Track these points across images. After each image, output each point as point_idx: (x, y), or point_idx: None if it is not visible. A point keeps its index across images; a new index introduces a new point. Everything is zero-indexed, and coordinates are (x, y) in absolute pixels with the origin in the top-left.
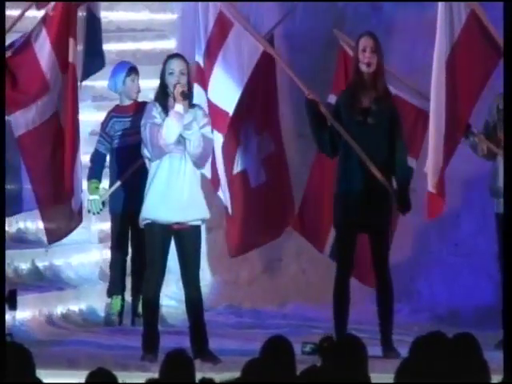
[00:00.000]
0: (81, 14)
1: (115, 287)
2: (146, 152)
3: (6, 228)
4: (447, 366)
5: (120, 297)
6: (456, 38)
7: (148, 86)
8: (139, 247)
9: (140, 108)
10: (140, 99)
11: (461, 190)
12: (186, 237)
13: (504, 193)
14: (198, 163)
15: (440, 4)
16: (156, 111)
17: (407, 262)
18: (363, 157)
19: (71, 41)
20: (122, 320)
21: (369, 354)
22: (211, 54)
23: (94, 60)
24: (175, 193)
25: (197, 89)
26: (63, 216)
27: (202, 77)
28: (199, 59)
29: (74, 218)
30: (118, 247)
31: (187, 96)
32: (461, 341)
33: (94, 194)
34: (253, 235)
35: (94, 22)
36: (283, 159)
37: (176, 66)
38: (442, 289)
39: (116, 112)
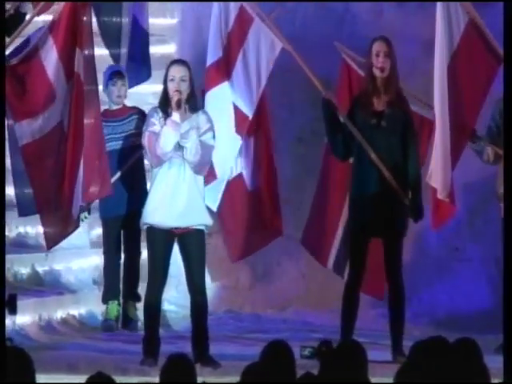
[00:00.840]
0: (125, 19)
1: (110, 292)
2: (146, 158)
3: (6, 233)
4: (447, 370)
5: (116, 302)
6: (455, 47)
7: (148, 90)
8: (130, 252)
9: (128, 113)
10: (139, 103)
11: (461, 195)
12: (189, 240)
13: (504, 197)
14: (197, 170)
15: (438, 13)
16: (156, 117)
17: (407, 266)
18: (376, 160)
19: (77, 50)
20: (119, 325)
21: (369, 359)
22: (232, 52)
23: (139, 69)
24: (174, 198)
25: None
26: (61, 221)
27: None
28: (215, 56)
29: (71, 223)
30: (110, 252)
31: (191, 103)
32: (461, 345)
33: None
34: (251, 238)
35: (138, 32)
36: (273, 164)
37: (177, 72)
38: (442, 293)
39: (104, 116)
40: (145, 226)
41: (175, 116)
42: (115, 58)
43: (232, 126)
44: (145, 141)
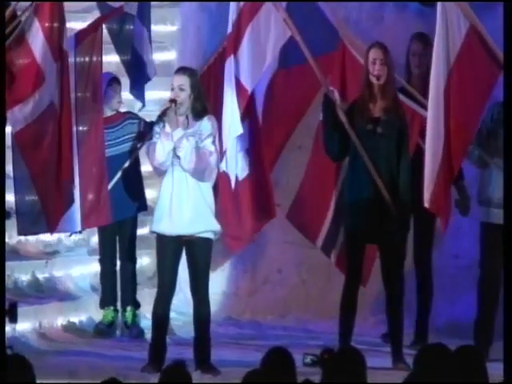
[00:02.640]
0: (129, 26)
1: (107, 298)
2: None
3: (6, 240)
4: (450, 378)
5: (112, 308)
6: (456, 54)
7: (148, 97)
8: (126, 259)
9: (123, 119)
10: (137, 110)
11: None
12: (195, 247)
13: (504, 202)
14: (196, 177)
15: (438, 19)
16: (158, 127)
17: (407, 273)
18: (370, 166)
19: (64, 28)
20: (115, 331)
21: (369, 365)
22: (241, 27)
23: (141, 71)
24: (179, 206)
25: None
26: (59, 200)
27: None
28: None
29: (67, 200)
30: (105, 259)
31: (194, 111)
32: (464, 353)
33: None
34: (246, 224)
35: (141, 33)
36: (262, 153)
37: (176, 81)
38: (441, 300)
39: None
40: (154, 234)
41: (167, 127)
42: (125, 64)
43: (234, 99)
44: (147, 151)
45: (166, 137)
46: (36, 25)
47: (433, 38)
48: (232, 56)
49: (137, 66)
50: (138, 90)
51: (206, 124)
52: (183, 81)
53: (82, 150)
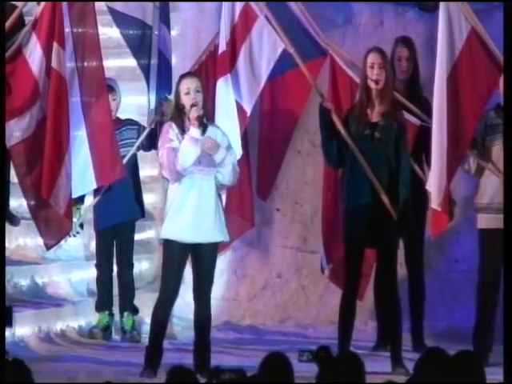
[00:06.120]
0: (149, 32)
1: (102, 303)
2: (164, 174)
3: (6, 244)
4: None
5: (106, 312)
6: (457, 56)
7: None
8: (123, 264)
9: (121, 124)
10: (138, 115)
11: (461, 207)
12: (204, 252)
13: (504, 201)
14: (223, 187)
15: (440, 21)
16: (173, 133)
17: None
18: (368, 171)
19: (56, 46)
20: (110, 335)
21: (369, 370)
22: (234, 47)
23: (168, 74)
24: (201, 215)
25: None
26: (55, 221)
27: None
28: (222, 49)
29: (64, 222)
30: (102, 265)
31: (206, 114)
32: (462, 358)
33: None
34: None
35: (166, 37)
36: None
37: (190, 83)
38: (441, 305)
39: None
40: (162, 240)
41: (194, 132)
42: (144, 69)
43: (235, 116)
44: (163, 157)
45: (194, 142)
46: (34, 39)
47: (435, 42)
48: (228, 75)
49: (164, 69)
50: (166, 93)
51: (219, 132)
52: (197, 83)
53: (90, 117)
